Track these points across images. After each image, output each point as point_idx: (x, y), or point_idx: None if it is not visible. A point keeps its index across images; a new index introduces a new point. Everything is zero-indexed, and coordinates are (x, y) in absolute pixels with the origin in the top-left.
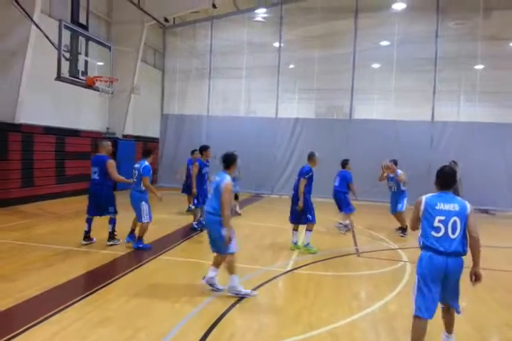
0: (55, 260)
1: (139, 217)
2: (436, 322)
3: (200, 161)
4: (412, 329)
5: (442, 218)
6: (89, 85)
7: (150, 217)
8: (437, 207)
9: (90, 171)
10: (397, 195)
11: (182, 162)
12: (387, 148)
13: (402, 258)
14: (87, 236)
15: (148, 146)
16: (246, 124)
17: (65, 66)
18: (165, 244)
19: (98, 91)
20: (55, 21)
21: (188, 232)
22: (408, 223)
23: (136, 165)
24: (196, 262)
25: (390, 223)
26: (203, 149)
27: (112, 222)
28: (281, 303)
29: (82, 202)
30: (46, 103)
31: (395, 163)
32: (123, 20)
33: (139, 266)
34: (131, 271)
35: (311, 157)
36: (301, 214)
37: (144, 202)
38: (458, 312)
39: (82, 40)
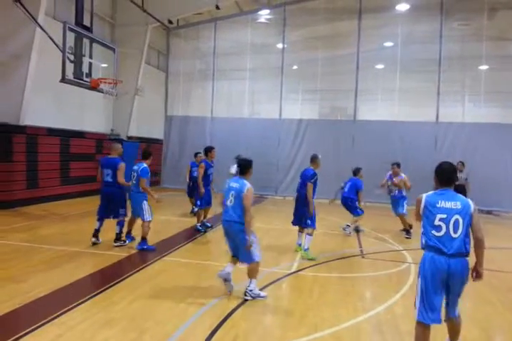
0: (61, 261)
1: (141, 216)
2: (443, 328)
3: (205, 162)
4: (415, 336)
5: (443, 216)
6: (94, 87)
7: (152, 216)
8: (438, 205)
9: (99, 173)
10: (397, 199)
11: (186, 163)
12: (392, 149)
13: (407, 260)
14: (96, 235)
15: (147, 148)
16: (250, 125)
17: (70, 68)
18: (169, 245)
19: (102, 93)
20: (60, 23)
21: (192, 234)
22: (413, 221)
23: (135, 167)
24: (200, 263)
25: (394, 224)
26: (208, 150)
27: (120, 223)
28: (285, 305)
29: (86, 203)
30: (50, 105)
31: (398, 165)
32: (127, 22)
33: (143, 268)
34: (135, 272)
35: (314, 159)
36: (303, 218)
37: (145, 202)
38: (455, 316)
39: (86, 42)
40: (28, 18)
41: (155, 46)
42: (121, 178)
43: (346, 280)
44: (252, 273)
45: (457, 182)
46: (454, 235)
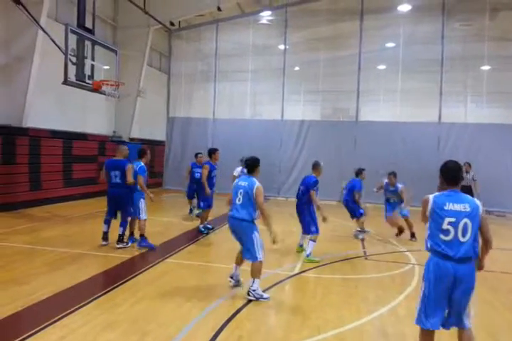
0: (63, 263)
1: (137, 215)
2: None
3: (210, 164)
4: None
5: (452, 220)
6: (96, 89)
7: (145, 214)
8: (446, 208)
9: (102, 174)
10: (397, 205)
11: (188, 165)
12: (394, 150)
13: (411, 261)
14: (105, 238)
15: (141, 147)
16: (252, 127)
17: (72, 70)
18: (172, 246)
19: (104, 95)
20: (62, 26)
21: (195, 235)
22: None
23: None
24: (203, 265)
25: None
26: (212, 152)
27: (123, 224)
28: (288, 306)
29: (89, 205)
30: (53, 107)
31: (395, 175)
32: (129, 24)
33: (146, 269)
34: (138, 274)
35: (316, 167)
36: (306, 225)
37: (142, 200)
38: (465, 327)
39: (88, 44)
40: (31, 20)
41: (157, 48)
42: (131, 178)
43: (349, 281)
44: (255, 273)
45: (463, 183)
46: (462, 239)
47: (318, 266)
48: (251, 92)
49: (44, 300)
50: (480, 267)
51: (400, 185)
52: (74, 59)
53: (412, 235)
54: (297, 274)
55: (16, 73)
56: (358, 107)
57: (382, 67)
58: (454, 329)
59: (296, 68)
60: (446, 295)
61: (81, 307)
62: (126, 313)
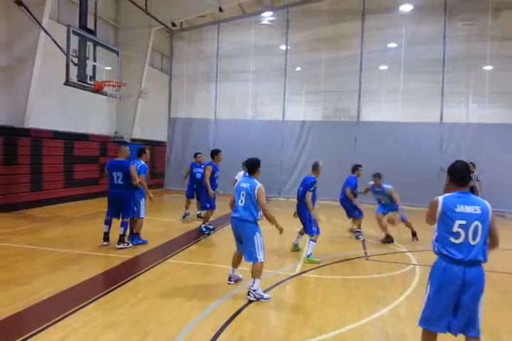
0: (64, 264)
1: (137, 213)
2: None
3: (212, 165)
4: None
5: (463, 222)
6: (98, 90)
7: (144, 214)
8: (457, 210)
9: (108, 175)
10: (390, 206)
11: (187, 165)
12: (396, 151)
13: (412, 262)
14: (107, 238)
15: (142, 148)
16: (253, 127)
17: (74, 71)
18: (173, 247)
19: (106, 95)
20: (64, 27)
21: (196, 236)
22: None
23: None
24: (204, 265)
25: (398, 226)
26: (215, 153)
27: (124, 224)
28: (289, 307)
29: (90, 206)
30: (55, 108)
31: (379, 176)
32: (130, 25)
33: (147, 270)
34: (139, 275)
35: (315, 167)
36: (305, 227)
37: (143, 198)
38: (474, 335)
39: (90, 45)
40: (32, 21)
41: (158, 49)
42: (137, 179)
43: (350, 282)
44: (255, 273)
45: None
46: (472, 242)
47: (318, 267)
48: (252, 93)
49: (45, 300)
50: None
51: (386, 186)
52: (76, 60)
53: (414, 234)
54: (298, 275)
55: (17, 74)
56: (360, 108)
57: (383, 67)
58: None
59: (298, 68)
60: (454, 299)
61: (82, 307)
62: (127, 313)
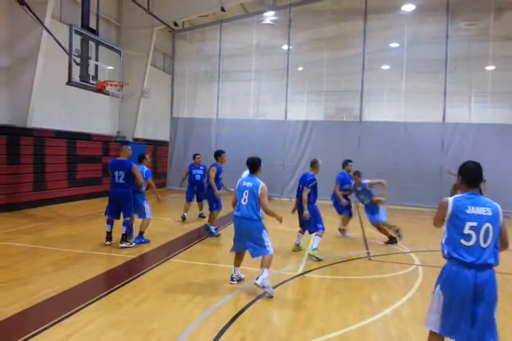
0: (67, 263)
1: (143, 214)
2: None
3: (216, 166)
4: None
5: (474, 224)
6: (100, 89)
7: (151, 214)
8: (468, 211)
9: (110, 175)
10: (372, 208)
11: (186, 166)
12: (398, 151)
13: (414, 262)
14: (109, 237)
15: (141, 153)
16: (255, 127)
17: (76, 71)
18: (176, 246)
19: (108, 95)
20: (66, 26)
21: (199, 235)
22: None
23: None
24: (207, 265)
25: (400, 226)
26: (218, 154)
27: (126, 224)
28: (292, 307)
29: (93, 205)
30: (57, 107)
31: (359, 174)
32: (132, 24)
33: (150, 269)
34: (142, 274)
35: (314, 164)
36: (309, 224)
37: (146, 201)
38: None
39: (92, 44)
40: (35, 21)
41: (161, 48)
42: (142, 179)
43: (353, 282)
44: (265, 264)
45: None
46: (483, 245)
47: (321, 267)
48: (254, 92)
49: (49, 299)
50: None
51: (364, 181)
52: (78, 59)
53: (392, 240)
54: (300, 275)
55: (20, 74)
56: (362, 107)
57: (386, 67)
58: None
59: (300, 68)
60: (466, 304)
61: (85, 306)
62: (130, 313)
